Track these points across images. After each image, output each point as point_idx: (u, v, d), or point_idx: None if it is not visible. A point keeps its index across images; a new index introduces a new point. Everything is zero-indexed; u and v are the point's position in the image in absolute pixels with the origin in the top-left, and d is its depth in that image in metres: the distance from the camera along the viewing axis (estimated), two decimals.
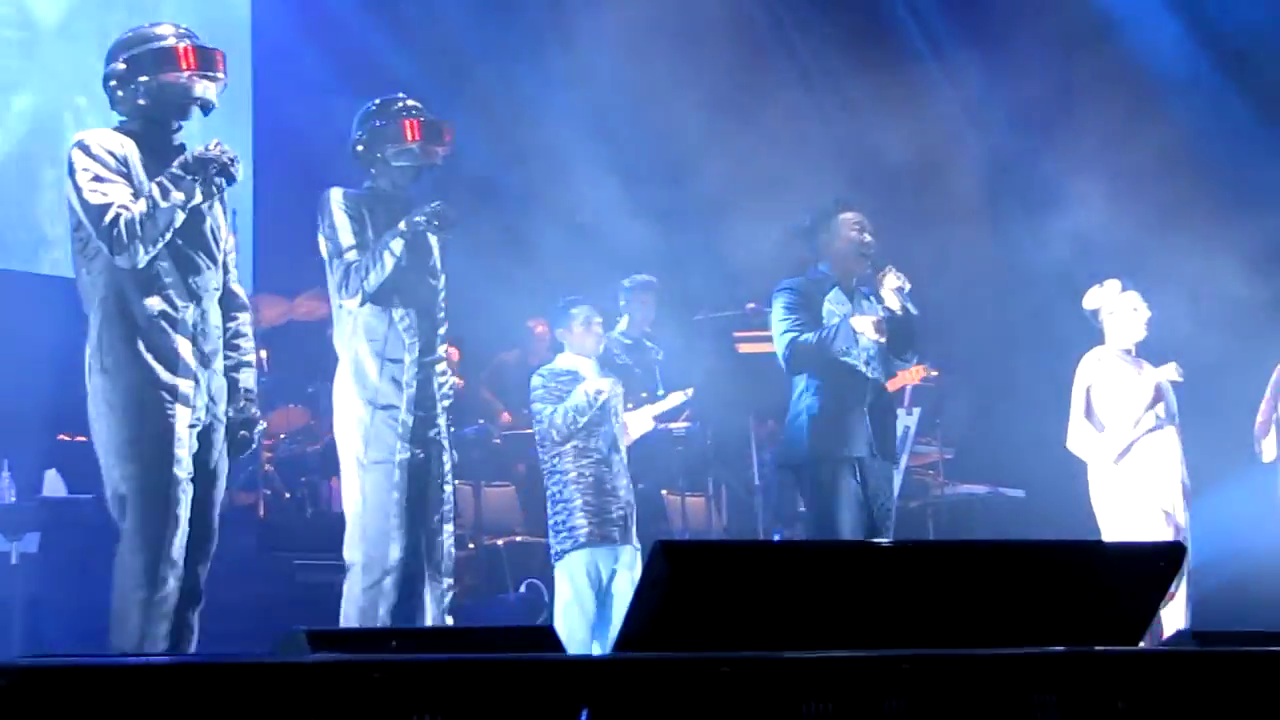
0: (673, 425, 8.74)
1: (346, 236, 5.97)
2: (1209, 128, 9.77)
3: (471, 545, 8.88)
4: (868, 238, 6.78)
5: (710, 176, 9.53)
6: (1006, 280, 9.48)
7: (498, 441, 9.55)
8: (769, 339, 7.89)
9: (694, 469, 8.65)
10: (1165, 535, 7.43)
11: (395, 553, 5.82)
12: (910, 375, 8.37)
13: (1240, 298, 8.40)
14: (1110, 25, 10.07)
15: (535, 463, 8.90)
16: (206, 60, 5.18)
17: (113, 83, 5.26)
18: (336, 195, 6.04)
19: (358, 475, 5.90)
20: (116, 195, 5.06)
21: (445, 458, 6.05)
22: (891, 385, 7.67)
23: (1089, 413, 7.60)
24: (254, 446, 5.50)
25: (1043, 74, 10.02)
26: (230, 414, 5.31)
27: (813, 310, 6.70)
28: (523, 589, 8.29)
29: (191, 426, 5.11)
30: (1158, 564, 3.16)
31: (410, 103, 6.14)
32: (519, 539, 8.73)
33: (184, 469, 5.07)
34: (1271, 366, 7.97)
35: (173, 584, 5.04)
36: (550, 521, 7.33)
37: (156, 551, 5.02)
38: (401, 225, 5.92)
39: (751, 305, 8.23)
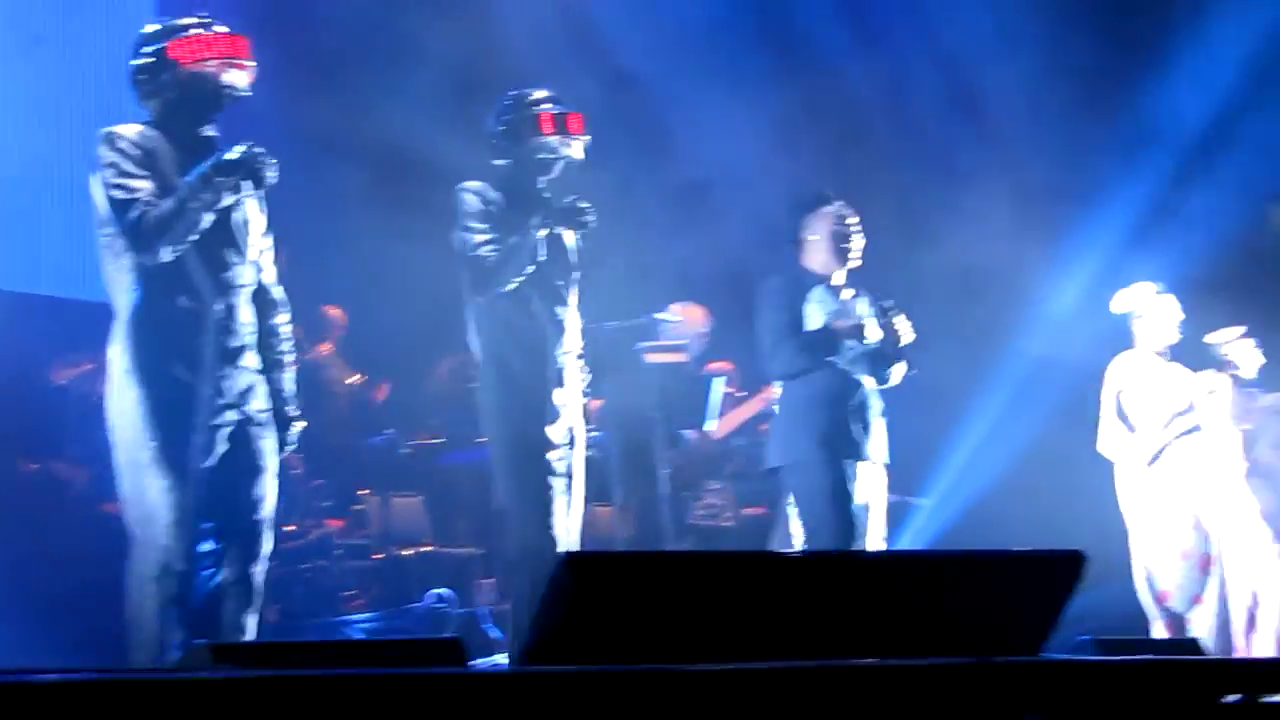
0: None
1: (480, 232, 5.89)
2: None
3: (378, 556, 8.82)
4: (851, 232, 6.60)
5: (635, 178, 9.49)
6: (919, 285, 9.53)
7: (406, 451, 9.48)
8: (676, 349, 7.87)
9: (600, 478, 8.64)
10: (1192, 541, 7.39)
11: (551, 547, 5.76)
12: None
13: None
14: None
15: (442, 474, 8.88)
16: (234, 47, 5.09)
17: (141, 76, 5.15)
18: (470, 189, 5.96)
19: (509, 470, 5.87)
20: (142, 191, 4.95)
21: (582, 450, 6.04)
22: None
23: (1121, 416, 7.55)
24: (292, 447, 5.36)
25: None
26: (265, 414, 5.19)
27: (794, 311, 6.51)
28: (430, 599, 8.26)
29: (213, 427, 4.98)
30: (1055, 573, 3.19)
31: (543, 94, 6.09)
32: (427, 549, 8.68)
33: (198, 468, 4.91)
34: None
35: (176, 588, 4.86)
36: None
37: (166, 555, 4.87)
38: (538, 220, 5.84)
39: (659, 314, 8.16)
